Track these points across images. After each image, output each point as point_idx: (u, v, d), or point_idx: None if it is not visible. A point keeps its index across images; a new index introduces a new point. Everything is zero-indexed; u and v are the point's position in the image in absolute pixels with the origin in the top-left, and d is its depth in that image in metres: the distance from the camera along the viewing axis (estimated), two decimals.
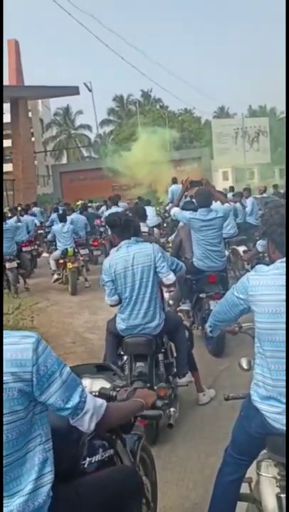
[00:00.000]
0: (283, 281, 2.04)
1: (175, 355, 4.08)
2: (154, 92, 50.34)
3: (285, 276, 2.05)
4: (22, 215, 12.76)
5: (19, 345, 1.48)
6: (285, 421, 2.03)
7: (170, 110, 47.79)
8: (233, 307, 2.28)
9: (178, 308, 5.70)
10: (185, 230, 5.83)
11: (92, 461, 1.82)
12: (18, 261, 9.80)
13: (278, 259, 2.14)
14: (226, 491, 2.27)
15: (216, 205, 5.83)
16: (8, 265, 9.29)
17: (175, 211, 5.86)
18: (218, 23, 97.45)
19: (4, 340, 1.48)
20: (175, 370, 4.02)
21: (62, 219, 9.81)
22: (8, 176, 31.35)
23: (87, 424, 1.59)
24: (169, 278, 3.85)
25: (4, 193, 29.61)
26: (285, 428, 2.03)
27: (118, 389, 1.95)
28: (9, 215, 13.71)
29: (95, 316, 7.40)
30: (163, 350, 3.94)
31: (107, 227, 9.49)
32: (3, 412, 1.42)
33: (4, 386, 1.43)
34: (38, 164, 48.53)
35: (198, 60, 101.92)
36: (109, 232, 9.42)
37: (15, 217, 11.40)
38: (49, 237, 10.44)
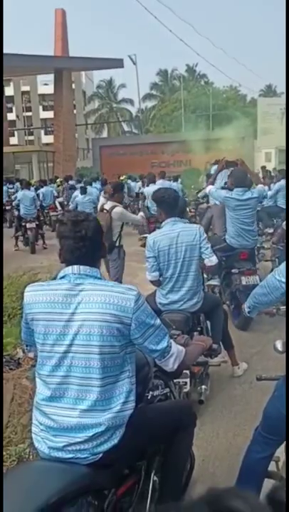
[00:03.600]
0: None
1: (210, 334, 4.11)
2: (200, 67, 49.31)
3: None
4: (42, 187, 15.05)
5: (124, 294, 1.83)
6: None
7: (215, 86, 46.73)
8: (274, 290, 2.30)
9: (206, 283, 5.66)
10: (218, 208, 6.02)
11: (154, 394, 2.20)
12: (37, 222, 11.62)
13: None
14: (253, 468, 2.33)
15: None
16: (28, 225, 11.26)
17: (211, 189, 6.00)
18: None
19: (112, 288, 1.85)
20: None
21: (83, 191, 11.77)
22: (49, 147, 31.63)
23: (171, 364, 1.99)
24: (212, 260, 3.95)
25: (44, 165, 29.96)
26: None
27: (175, 336, 2.28)
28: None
29: None
30: (199, 328, 3.99)
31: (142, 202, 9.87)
32: (103, 344, 1.79)
33: (107, 324, 1.79)
34: (79, 137, 48.66)
35: (247, 36, 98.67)
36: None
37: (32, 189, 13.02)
38: (71, 206, 11.91)
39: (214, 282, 5.87)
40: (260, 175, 11.35)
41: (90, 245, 1.91)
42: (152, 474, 2.10)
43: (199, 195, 11.63)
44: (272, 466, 2.31)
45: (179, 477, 2.23)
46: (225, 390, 4.17)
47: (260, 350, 4.88)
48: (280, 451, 2.29)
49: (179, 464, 2.21)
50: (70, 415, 1.81)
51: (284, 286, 2.22)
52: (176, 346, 2.00)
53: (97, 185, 14.93)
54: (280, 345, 2.46)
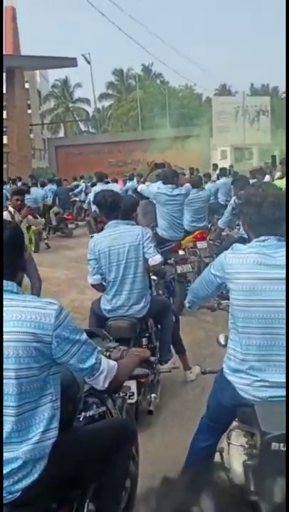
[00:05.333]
0: (259, 260, 2.11)
1: (160, 339, 3.97)
2: (155, 66, 49.32)
3: (257, 255, 2.12)
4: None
5: (43, 309, 1.65)
6: (253, 392, 2.12)
7: (171, 86, 46.91)
8: (209, 284, 2.34)
9: None
10: (142, 205, 6.29)
11: (87, 415, 2.01)
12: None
13: (254, 239, 2.20)
14: (198, 457, 2.38)
15: None
16: None
17: (142, 187, 6.50)
18: None
19: (29, 303, 1.66)
20: (158, 354, 3.90)
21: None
22: (4, 148, 30.82)
23: (102, 382, 1.80)
24: (155, 259, 3.76)
25: None
26: (253, 399, 2.11)
27: (111, 349, 2.14)
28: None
29: (82, 296, 7.26)
30: (147, 334, 3.83)
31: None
32: (19, 367, 1.60)
33: (24, 344, 1.60)
34: (35, 137, 47.80)
35: (200, 36, 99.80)
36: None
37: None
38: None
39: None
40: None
41: (3, 256, 1.71)
42: (87, 503, 1.90)
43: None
44: (216, 458, 2.39)
45: (117, 500, 2.05)
46: (177, 397, 4.03)
47: (213, 351, 4.76)
48: (225, 444, 2.33)
49: (115, 486, 2.04)
50: None
51: (218, 280, 2.26)
52: (106, 362, 1.82)
53: (53, 186, 14.68)
54: (222, 338, 2.54)
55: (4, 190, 14.71)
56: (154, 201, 6.22)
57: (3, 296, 1.68)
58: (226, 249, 2.31)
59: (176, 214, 6.10)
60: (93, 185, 13.21)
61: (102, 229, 6.85)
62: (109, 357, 2.09)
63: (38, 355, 1.63)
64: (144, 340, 3.74)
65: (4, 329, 1.61)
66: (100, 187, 10.24)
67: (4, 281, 1.71)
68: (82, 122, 50.13)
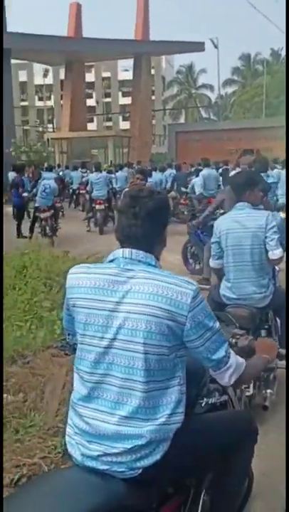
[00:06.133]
0: None
1: (279, 333, 3.74)
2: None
3: None
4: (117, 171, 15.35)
5: (181, 287, 1.56)
6: None
7: None
8: None
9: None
10: (229, 190, 6.20)
11: (209, 402, 1.91)
12: (107, 204, 11.84)
13: None
14: None
15: None
16: (97, 207, 11.65)
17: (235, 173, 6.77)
18: None
19: (167, 279, 1.57)
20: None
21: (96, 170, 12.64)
22: (126, 133, 31.73)
23: (227, 378, 1.68)
24: (275, 253, 3.44)
25: (119, 150, 30.13)
26: None
27: (238, 336, 2.01)
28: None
29: None
30: (266, 326, 3.61)
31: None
32: (150, 343, 1.54)
33: (157, 320, 1.53)
34: (156, 123, 48.59)
35: None
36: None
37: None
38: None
39: None
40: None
41: (143, 226, 1.63)
42: (202, 494, 1.82)
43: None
44: None
45: (235, 499, 1.93)
46: None
47: None
48: None
49: (235, 483, 1.92)
50: (107, 421, 1.57)
51: None
52: (235, 357, 1.69)
53: (173, 171, 14.79)
54: None
55: (125, 173, 15.25)
56: None
57: (139, 268, 1.62)
58: None
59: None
60: (199, 170, 12.98)
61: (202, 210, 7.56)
62: (235, 344, 1.97)
63: (170, 335, 1.55)
64: (263, 333, 3.53)
65: (134, 300, 1.56)
66: (207, 171, 10.72)
67: (143, 252, 1.64)
68: (203, 109, 49.70)
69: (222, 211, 6.46)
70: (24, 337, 4.23)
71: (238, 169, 13.21)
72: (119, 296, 1.59)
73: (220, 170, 15.20)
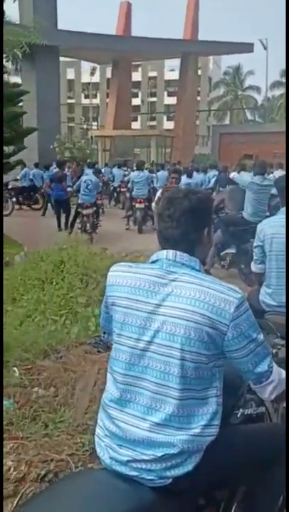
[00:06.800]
0: None
1: None
2: None
3: None
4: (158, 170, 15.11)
5: (224, 294, 1.50)
6: None
7: None
8: None
9: (222, 252, 7.34)
10: (229, 190, 7.58)
11: (245, 412, 1.83)
12: (147, 203, 11.65)
13: None
14: None
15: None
16: (137, 205, 11.67)
17: (234, 175, 7.52)
18: None
19: (210, 285, 1.51)
20: None
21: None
22: (170, 133, 31.66)
23: (268, 393, 1.60)
24: None
25: (162, 150, 30.11)
26: None
27: (279, 347, 1.94)
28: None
29: None
30: None
31: None
32: (187, 349, 1.47)
33: (197, 326, 1.47)
34: (200, 124, 48.29)
35: None
36: None
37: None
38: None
39: (231, 250, 7.24)
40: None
41: (180, 227, 1.58)
42: (234, 507, 1.74)
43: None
44: None
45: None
46: None
47: None
48: None
49: (269, 499, 1.82)
50: (139, 426, 1.52)
51: None
52: (278, 372, 1.60)
53: (215, 172, 14.63)
54: None
55: (166, 173, 15.22)
56: (246, 189, 6.95)
57: (183, 271, 1.56)
58: None
59: (263, 201, 6.98)
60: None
61: None
62: (276, 355, 1.88)
63: (210, 343, 1.49)
64: None
65: (174, 304, 1.50)
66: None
67: (187, 255, 1.58)
68: (249, 111, 48.99)
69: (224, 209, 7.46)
70: (58, 332, 4.23)
71: (280, 171, 13.14)
72: (160, 299, 1.53)
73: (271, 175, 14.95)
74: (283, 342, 1.97)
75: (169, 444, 1.47)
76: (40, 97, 22.74)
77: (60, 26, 25.20)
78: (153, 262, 1.63)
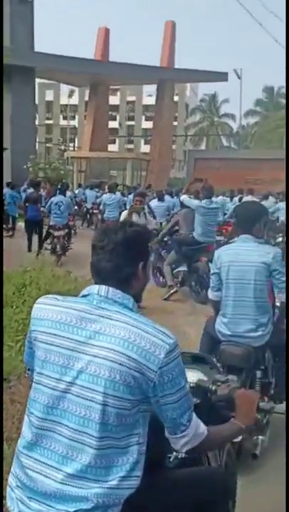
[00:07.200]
0: None
1: (277, 374, 3.54)
2: None
3: None
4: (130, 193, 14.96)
5: (156, 338, 1.41)
6: None
7: None
8: None
9: (175, 271, 7.82)
10: (182, 213, 7.98)
11: (179, 456, 1.73)
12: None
13: None
14: None
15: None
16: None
17: (184, 198, 8.01)
18: None
19: (142, 326, 1.42)
20: (273, 392, 3.48)
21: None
22: (146, 156, 31.98)
23: (180, 446, 1.49)
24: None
25: (138, 173, 30.33)
26: None
27: (219, 383, 1.84)
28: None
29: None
30: (263, 367, 3.42)
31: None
32: (111, 393, 1.37)
33: (123, 369, 1.37)
34: (177, 149, 49.02)
35: None
36: None
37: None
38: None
39: (183, 268, 7.75)
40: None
41: (112, 260, 1.49)
42: None
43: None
44: None
45: None
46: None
47: None
48: None
49: None
50: (51, 476, 1.39)
51: None
52: (195, 426, 1.47)
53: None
54: None
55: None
56: (196, 211, 7.51)
57: (114, 308, 1.47)
58: None
59: (211, 223, 7.69)
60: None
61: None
62: (215, 392, 1.79)
63: (136, 387, 1.38)
64: (259, 374, 3.34)
65: (101, 343, 1.40)
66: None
67: (120, 292, 1.49)
68: (224, 137, 50.03)
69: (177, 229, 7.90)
70: (13, 358, 4.09)
71: (250, 197, 13.38)
72: (86, 336, 1.43)
73: (235, 198, 15.15)
74: (224, 378, 1.89)
75: (83, 498, 1.35)
76: (14, 118, 22.69)
77: (38, 49, 25.39)
78: (84, 296, 1.53)
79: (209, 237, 7.61)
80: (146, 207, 11.92)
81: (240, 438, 2.94)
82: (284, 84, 49.87)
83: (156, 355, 1.38)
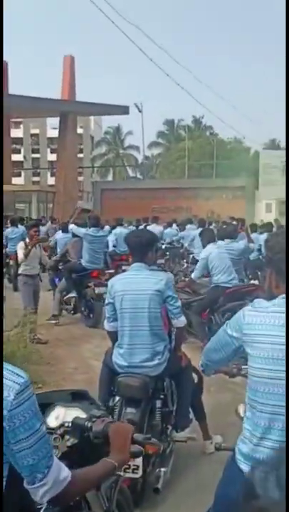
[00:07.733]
0: (284, 321, 1.74)
1: (177, 403, 3.50)
2: (206, 118, 50.11)
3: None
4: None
5: (5, 379, 1.28)
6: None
7: (219, 138, 47.42)
8: (225, 346, 1.95)
9: (65, 297, 8.19)
10: (73, 241, 8.60)
11: (50, 506, 1.51)
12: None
13: (281, 295, 1.82)
14: None
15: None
16: (11, 262, 10.77)
17: (73, 227, 8.49)
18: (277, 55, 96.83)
19: None
20: (174, 420, 3.44)
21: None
22: (53, 189, 31.67)
23: (40, 496, 1.34)
24: (181, 320, 3.45)
25: (44, 205, 29.88)
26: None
27: (94, 419, 1.72)
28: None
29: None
30: (162, 396, 3.36)
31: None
32: None
33: None
34: (85, 180, 49.19)
35: (252, 90, 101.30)
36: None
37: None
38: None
39: (73, 295, 8.10)
40: None
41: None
42: None
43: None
44: None
45: None
46: (191, 472, 3.50)
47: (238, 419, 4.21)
48: None
49: None
50: None
51: (235, 342, 1.88)
52: (56, 472, 1.33)
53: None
54: (241, 410, 2.14)
55: (45, 229, 15.03)
56: (83, 239, 8.01)
57: None
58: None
59: (98, 250, 8.17)
60: (113, 228, 13.16)
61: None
62: (90, 428, 1.68)
63: None
64: (158, 403, 3.28)
65: None
66: (119, 229, 12.15)
67: None
68: (130, 168, 51.22)
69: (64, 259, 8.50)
70: None
71: (154, 225, 13.71)
72: None
73: (141, 227, 15.39)
74: (100, 413, 1.78)
75: None
76: None
77: None
78: None
79: (96, 264, 8.07)
80: (51, 239, 11.75)
81: (140, 473, 2.86)
82: (183, 117, 52.63)
83: (5, 396, 1.26)
